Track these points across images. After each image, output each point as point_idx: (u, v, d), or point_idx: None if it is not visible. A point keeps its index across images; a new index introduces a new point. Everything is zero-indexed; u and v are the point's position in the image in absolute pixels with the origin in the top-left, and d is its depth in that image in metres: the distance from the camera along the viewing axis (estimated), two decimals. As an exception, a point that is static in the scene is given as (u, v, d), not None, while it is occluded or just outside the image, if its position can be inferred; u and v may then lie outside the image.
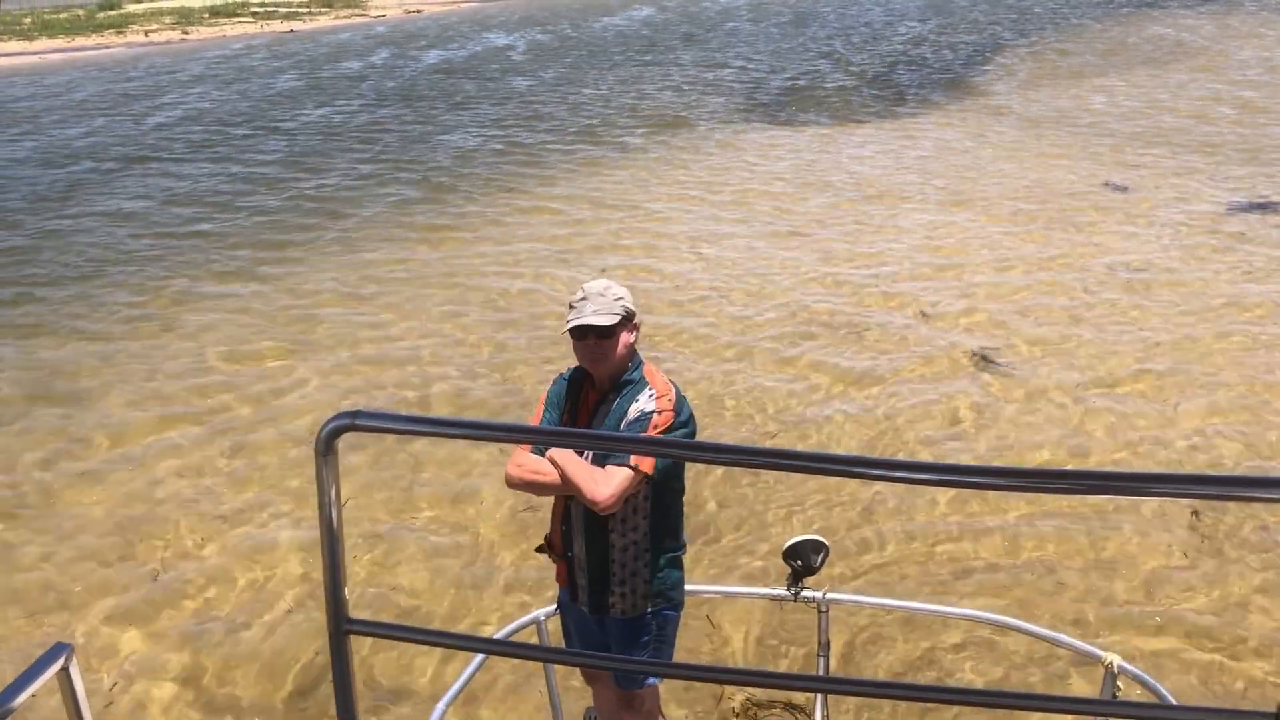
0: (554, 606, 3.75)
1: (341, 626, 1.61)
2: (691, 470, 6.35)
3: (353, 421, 1.54)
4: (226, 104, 20.84)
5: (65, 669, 1.90)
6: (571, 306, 3.32)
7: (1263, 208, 11.33)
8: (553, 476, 3.21)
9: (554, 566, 3.59)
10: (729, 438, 6.82)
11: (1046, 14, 31.59)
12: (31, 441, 7.24)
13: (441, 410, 7.50)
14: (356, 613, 1.64)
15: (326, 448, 1.54)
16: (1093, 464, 6.40)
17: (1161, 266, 9.77)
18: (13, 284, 10.50)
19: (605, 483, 3.14)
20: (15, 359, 8.65)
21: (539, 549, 3.60)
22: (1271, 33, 25.66)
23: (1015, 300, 9.03)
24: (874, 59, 24.36)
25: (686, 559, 3.58)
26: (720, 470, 6.43)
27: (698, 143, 16.25)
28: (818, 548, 3.75)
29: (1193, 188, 12.55)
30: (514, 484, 3.32)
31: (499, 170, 14.74)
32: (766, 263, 10.44)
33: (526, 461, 3.26)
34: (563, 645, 3.80)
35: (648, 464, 3.20)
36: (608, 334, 3.24)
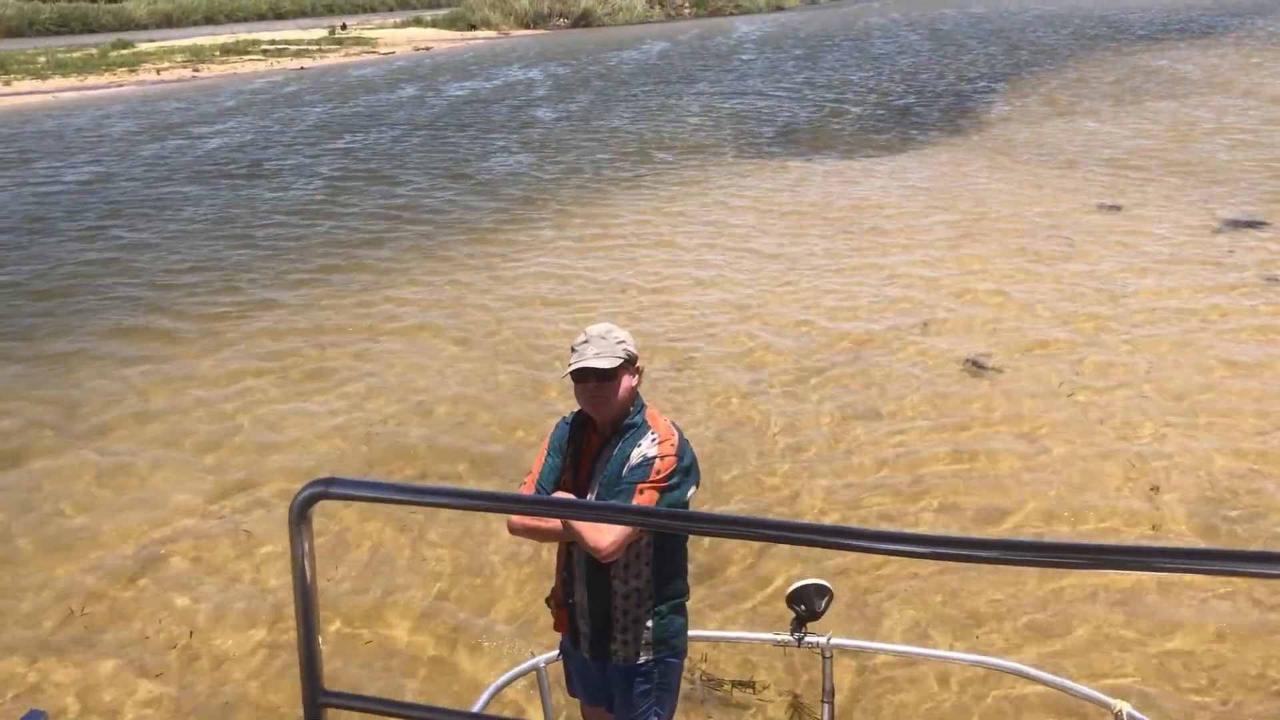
0: (555, 653, 3.70)
1: (317, 700, 1.56)
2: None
3: (327, 490, 1.51)
4: (267, 132, 21.02)
5: (40, 736, 1.85)
6: (573, 350, 3.31)
7: (1252, 225, 11.91)
8: (553, 523, 3.19)
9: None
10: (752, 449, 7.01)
11: (1049, 50, 31.76)
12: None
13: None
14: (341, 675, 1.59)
15: (300, 516, 1.50)
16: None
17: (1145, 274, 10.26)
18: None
19: (608, 530, 3.11)
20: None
21: (549, 600, 3.57)
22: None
23: (1003, 312, 9.47)
24: (892, 89, 24.47)
25: (690, 604, 3.53)
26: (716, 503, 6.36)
27: (712, 177, 16.27)
28: (821, 591, 3.70)
29: (1184, 206, 12.84)
30: (515, 530, 3.33)
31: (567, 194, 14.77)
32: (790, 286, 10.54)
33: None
34: (564, 690, 3.77)
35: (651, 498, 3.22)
36: (609, 377, 3.23)
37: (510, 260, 12.04)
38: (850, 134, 19.77)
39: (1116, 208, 12.96)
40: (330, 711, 1.59)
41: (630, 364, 3.30)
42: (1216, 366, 8.20)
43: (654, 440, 3.25)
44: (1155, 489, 6.46)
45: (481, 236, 13.23)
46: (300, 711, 1.58)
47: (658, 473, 3.20)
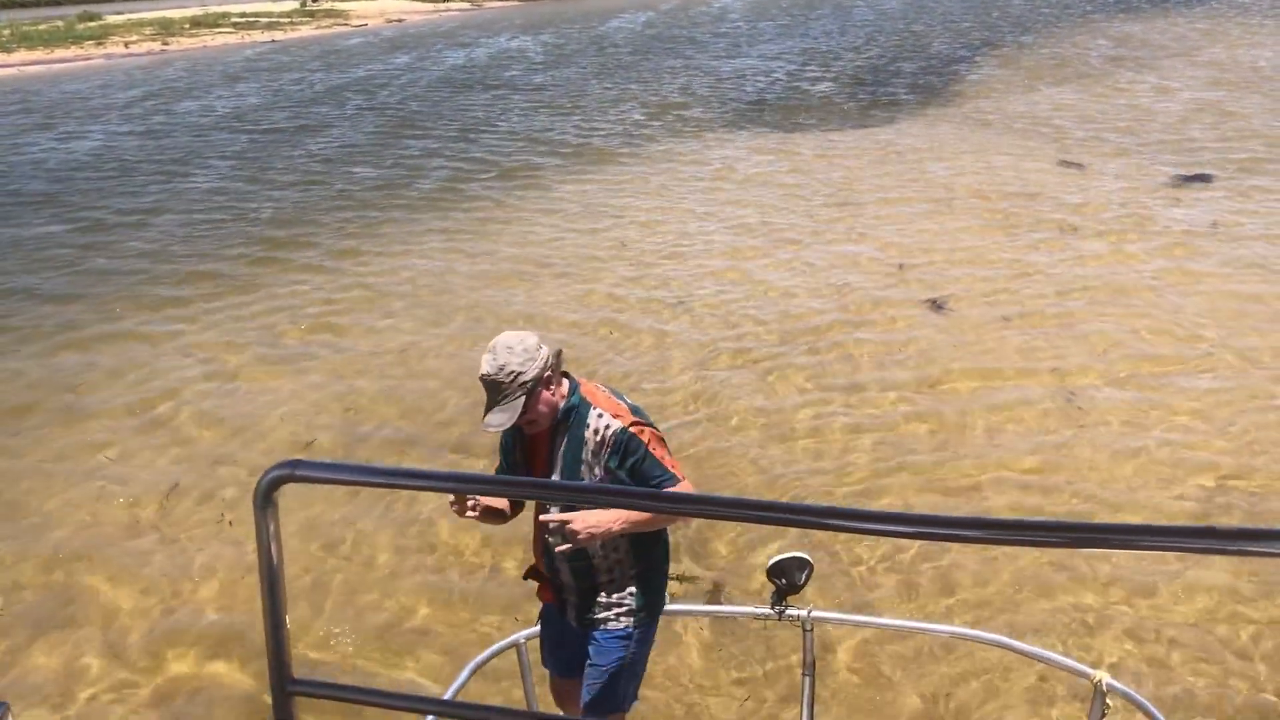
0: (535, 628, 3.69)
1: (285, 687, 1.52)
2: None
3: (292, 472, 1.45)
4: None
5: (2, 727, 1.81)
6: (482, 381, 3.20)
7: (1201, 180, 12.83)
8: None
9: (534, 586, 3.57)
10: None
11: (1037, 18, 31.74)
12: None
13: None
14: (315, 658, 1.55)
15: (265, 500, 1.45)
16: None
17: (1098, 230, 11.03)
18: None
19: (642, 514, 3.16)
20: None
21: (526, 576, 3.56)
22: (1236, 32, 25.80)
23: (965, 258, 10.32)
24: (874, 56, 24.39)
25: (672, 577, 3.56)
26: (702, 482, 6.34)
27: (691, 151, 16.21)
28: (802, 565, 3.68)
29: (1141, 165, 13.61)
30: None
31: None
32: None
33: (602, 520, 3.12)
34: (543, 670, 3.75)
35: (679, 469, 3.25)
36: (521, 414, 3.13)
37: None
38: (831, 102, 19.71)
39: (1079, 165, 13.68)
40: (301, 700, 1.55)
41: (536, 389, 3.14)
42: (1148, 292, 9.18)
43: (600, 415, 3.20)
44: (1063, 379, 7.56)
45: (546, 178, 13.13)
46: (269, 699, 1.54)
47: (648, 441, 3.18)
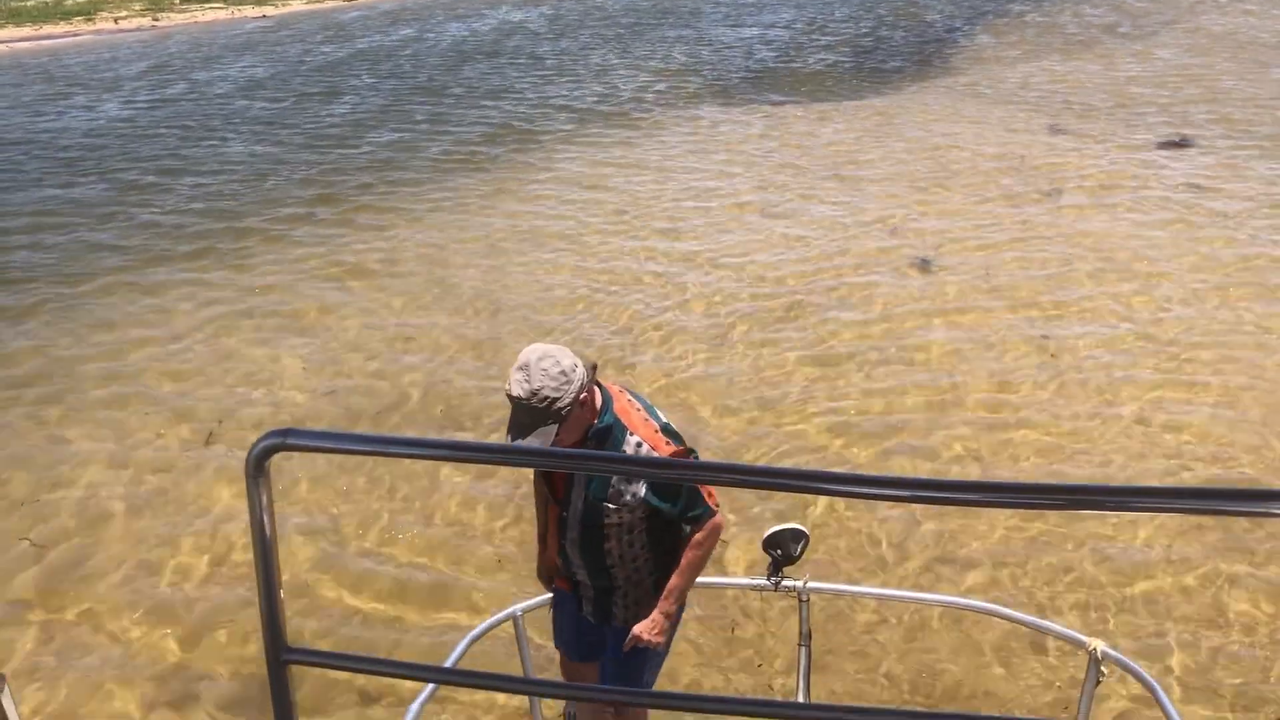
0: (533, 600, 3.66)
1: (280, 656, 1.51)
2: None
3: (284, 440, 1.44)
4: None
5: (-4, 699, 1.81)
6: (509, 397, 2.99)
7: (1182, 145, 13.28)
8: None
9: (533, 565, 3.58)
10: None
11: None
12: None
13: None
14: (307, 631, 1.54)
15: (257, 469, 1.44)
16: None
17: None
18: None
19: (712, 540, 3.20)
20: None
21: (542, 572, 3.53)
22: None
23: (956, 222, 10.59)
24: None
25: None
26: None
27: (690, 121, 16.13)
28: (797, 536, 3.68)
29: (1125, 129, 14.05)
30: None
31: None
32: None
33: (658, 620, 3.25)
34: (543, 637, 3.74)
35: (715, 498, 3.20)
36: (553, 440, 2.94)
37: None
38: (828, 71, 19.61)
39: (1067, 131, 14.02)
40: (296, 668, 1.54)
41: (571, 410, 2.93)
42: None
43: (639, 445, 3.02)
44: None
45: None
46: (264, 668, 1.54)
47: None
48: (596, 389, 3.08)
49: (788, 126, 15.32)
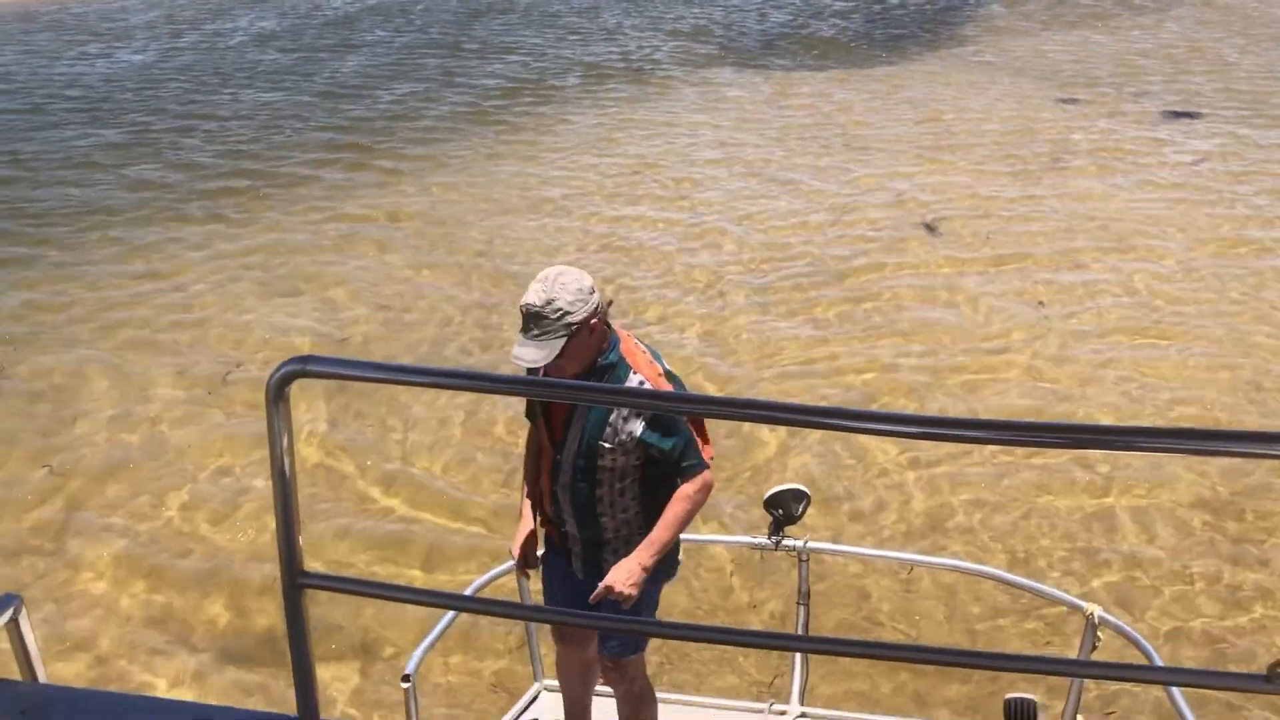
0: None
1: (296, 580, 1.54)
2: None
3: (304, 367, 1.46)
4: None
5: (14, 620, 1.84)
6: (522, 317, 2.97)
7: (1188, 116, 13.50)
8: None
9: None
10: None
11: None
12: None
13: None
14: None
15: (278, 394, 1.46)
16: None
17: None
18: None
19: (702, 495, 3.09)
20: None
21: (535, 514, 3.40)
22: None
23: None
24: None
25: None
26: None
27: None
28: (799, 497, 3.69)
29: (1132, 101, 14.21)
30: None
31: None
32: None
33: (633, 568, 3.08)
34: (542, 594, 3.69)
35: (709, 451, 3.12)
36: (557, 357, 2.93)
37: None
38: (839, 39, 19.49)
39: (1075, 101, 14.11)
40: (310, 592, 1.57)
41: (579, 331, 2.92)
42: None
43: (642, 382, 3.02)
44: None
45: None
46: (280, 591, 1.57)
47: (695, 426, 3.07)
48: (607, 327, 3.07)
49: (797, 91, 15.25)
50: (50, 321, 8.07)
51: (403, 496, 5.94)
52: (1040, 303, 8.08)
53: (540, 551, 3.37)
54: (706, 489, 3.10)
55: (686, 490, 3.06)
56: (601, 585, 3.03)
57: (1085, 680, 3.56)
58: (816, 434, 6.32)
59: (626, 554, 3.16)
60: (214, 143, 12.76)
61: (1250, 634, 4.79)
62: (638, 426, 3.02)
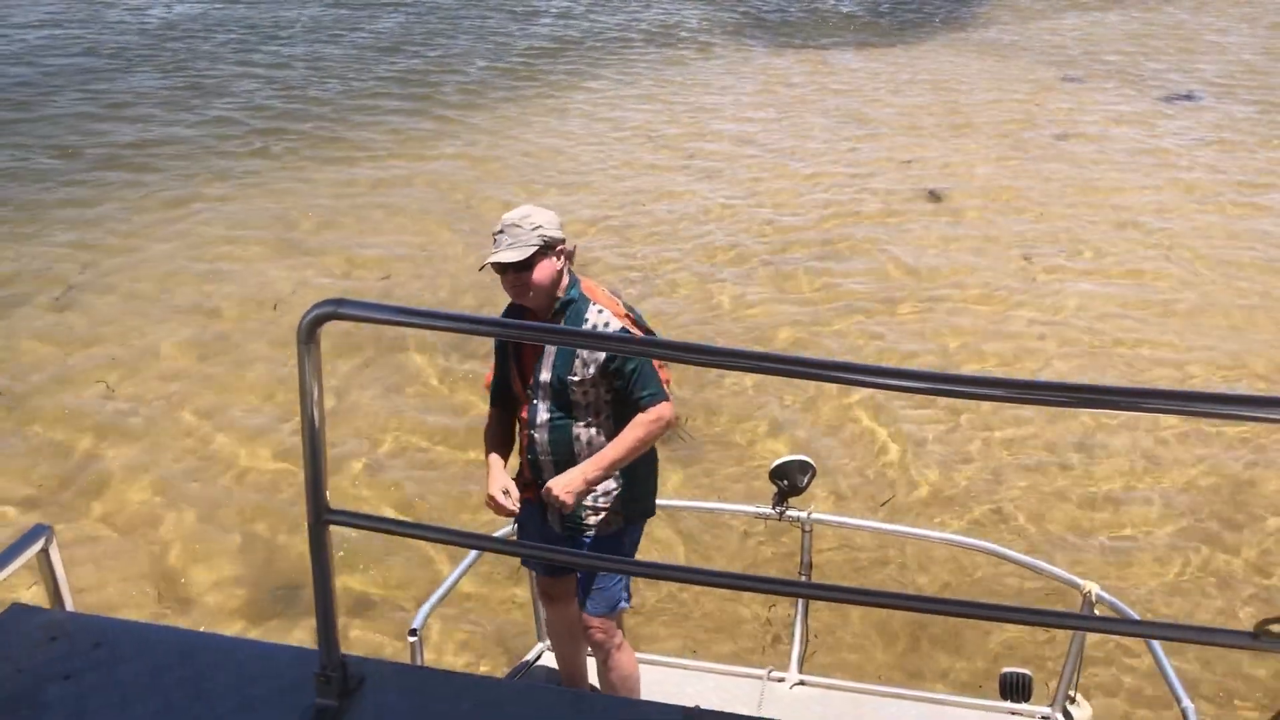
0: None
1: (321, 517, 1.60)
2: (683, 386, 6.42)
3: (336, 310, 1.51)
4: None
5: (45, 551, 1.90)
6: (493, 238, 3.20)
7: (1186, 98, 13.93)
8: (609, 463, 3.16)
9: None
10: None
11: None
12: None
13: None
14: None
15: (308, 336, 1.51)
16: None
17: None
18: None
19: (658, 427, 3.13)
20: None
21: (517, 478, 3.40)
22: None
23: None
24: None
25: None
26: (706, 384, 6.45)
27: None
28: (804, 468, 3.73)
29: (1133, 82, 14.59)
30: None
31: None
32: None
33: (574, 477, 3.13)
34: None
35: (665, 374, 3.20)
36: (524, 267, 3.12)
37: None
38: (851, 20, 19.40)
39: (1079, 80, 14.50)
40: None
41: (549, 249, 3.15)
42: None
43: (600, 311, 3.18)
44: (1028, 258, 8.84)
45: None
46: (304, 527, 1.62)
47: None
48: (569, 265, 3.25)
49: (814, 66, 15.25)
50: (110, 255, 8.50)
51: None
52: (1025, 257, 8.76)
53: (515, 497, 3.29)
54: (663, 420, 3.14)
55: (643, 418, 3.13)
56: (544, 489, 3.11)
57: (1080, 656, 3.61)
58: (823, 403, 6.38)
59: (605, 504, 3.26)
60: (264, 93, 13.06)
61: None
62: (601, 354, 3.12)
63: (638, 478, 3.31)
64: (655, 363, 3.17)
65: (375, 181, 10.26)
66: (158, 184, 10.01)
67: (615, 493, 3.26)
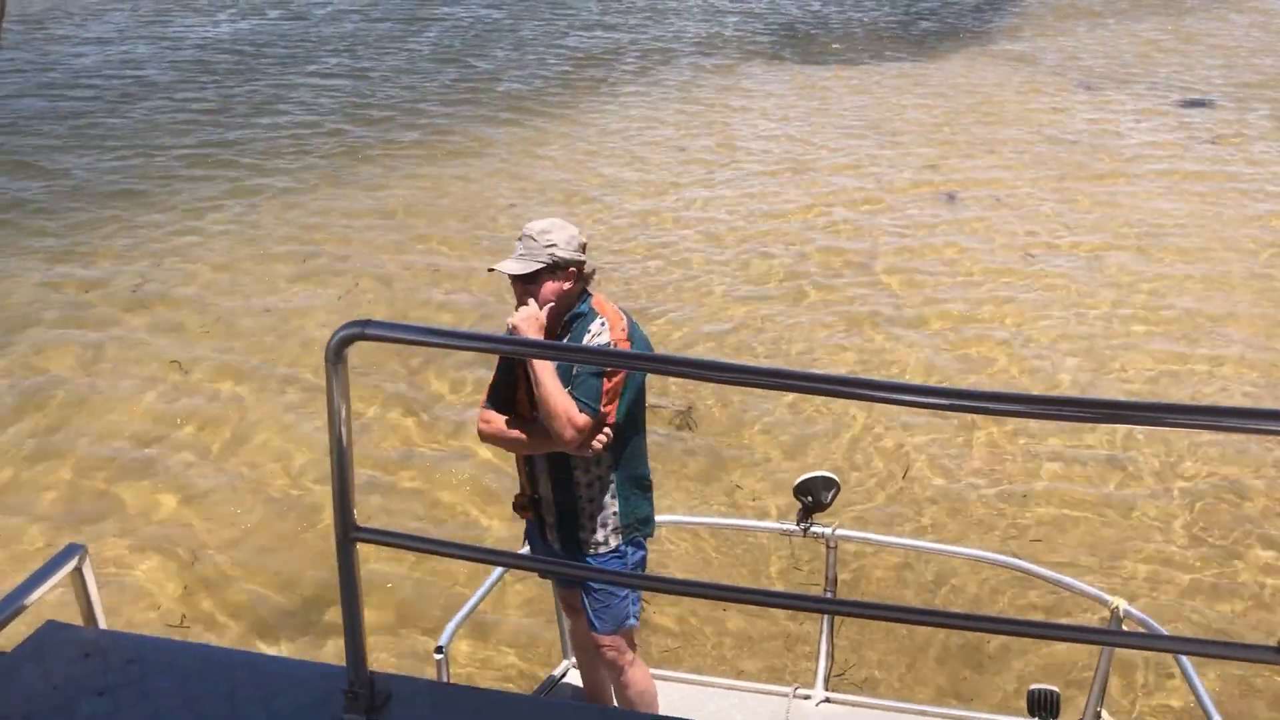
0: None
1: (349, 534, 1.62)
2: (701, 405, 6.42)
3: (363, 330, 1.53)
4: None
5: (79, 569, 1.93)
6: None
7: (1200, 104, 14.21)
8: (517, 434, 3.20)
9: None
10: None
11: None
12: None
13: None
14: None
15: (336, 356, 1.53)
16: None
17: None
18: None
19: (570, 429, 3.07)
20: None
21: (516, 500, 3.45)
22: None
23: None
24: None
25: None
26: (723, 408, 6.45)
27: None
28: (829, 484, 3.73)
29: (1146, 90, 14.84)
30: (485, 438, 3.32)
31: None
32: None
33: (494, 419, 3.22)
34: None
35: (612, 410, 3.14)
36: (528, 280, 3.14)
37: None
38: (868, 32, 19.44)
39: (1095, 89, 14.68)
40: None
41: (557, 268, 3.14)
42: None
43: (603, 323, 3.20)
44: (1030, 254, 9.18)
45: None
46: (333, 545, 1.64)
47: (612, 375, 3.13)
48: (585, 285, 3.25)
49: (829, 84, 15.33)
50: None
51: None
52: (1028, 255, 9.10)
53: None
54: (573, 425, 3.07)
55: (572, 414, 3.08)
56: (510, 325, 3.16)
57: (1109, 672, 3.58)
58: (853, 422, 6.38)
59: (602, 522, 3.28)
60: (307, 109, 13.32)
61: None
62: (590, 368, 3.12)
63: (629, 501, 3.32)
64: (607, 384, 3.12)
65: (408, 203, 10.31)
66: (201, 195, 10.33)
67: (610, 515, 3.29)
